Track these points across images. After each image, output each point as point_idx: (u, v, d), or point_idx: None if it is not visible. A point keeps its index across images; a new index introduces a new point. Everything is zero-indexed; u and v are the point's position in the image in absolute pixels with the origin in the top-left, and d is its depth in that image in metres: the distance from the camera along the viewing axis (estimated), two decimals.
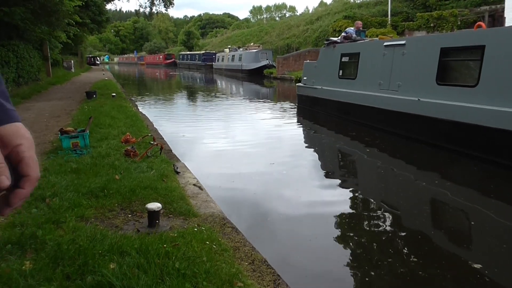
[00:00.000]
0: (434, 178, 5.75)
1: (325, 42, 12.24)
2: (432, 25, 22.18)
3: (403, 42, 8.78)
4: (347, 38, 11.34)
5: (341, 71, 10.99)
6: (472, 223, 4.34)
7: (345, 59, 10.91)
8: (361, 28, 12.14)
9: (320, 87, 11.62)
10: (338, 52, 11.13)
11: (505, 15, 16.33)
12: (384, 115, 8.78)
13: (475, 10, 22.64)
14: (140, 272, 2.33)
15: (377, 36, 13.09)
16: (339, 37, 11.81)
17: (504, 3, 17.08)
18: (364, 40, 11.10)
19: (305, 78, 12.85)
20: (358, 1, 40.23)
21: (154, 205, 3.18)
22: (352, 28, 12.09)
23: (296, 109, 13.11)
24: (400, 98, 8.29)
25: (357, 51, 10.33)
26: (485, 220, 4.31)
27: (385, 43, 9.22)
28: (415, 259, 3.38)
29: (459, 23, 21.49)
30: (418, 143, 7.66)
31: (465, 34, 7.43)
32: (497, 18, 19.86)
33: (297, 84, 14.06)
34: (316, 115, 11.62)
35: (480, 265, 3.23)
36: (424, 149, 7.35)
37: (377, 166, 6.58)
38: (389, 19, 26.77)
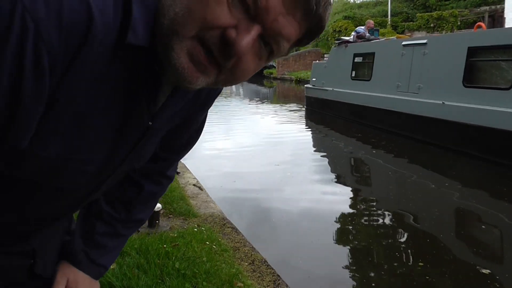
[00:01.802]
0: (444, 180, 5.65)
1: (336, 41, 11.75)
2: (432, 25, 22.19)
3: (424, 41, 8.25)
4: (360, 37, 10.87)
5: (354, 72, 10.48)
6: (483, 226, 4.25)
7: (358, 59, 10.42)
8: (374, 27, 11.62)
9: (331, 88, 11.14)
10: (351, 52, 10.63)
11: (505, 15, 16.34)
12: (402, 119, 8.31)
13: (475, 11, 22.65)
14: (140, 272, 2.33)
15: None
16: (351, 36, 11.34)
17: (504, 3, 17.09)
18: (378, 39, 10.63)
19: (314, 79, 12.41)
20: (358, 2, 40.25)
21: None
22: (362, 27, 11.63)
23: (304, 111, 12.77)
24: (421, 101, 7.82)
25: (371, 51, 9.84)
26: (496, 224, 4.23)
27: (403, 43, 8.74)
28: (421, 263, 3.32)
29: (459, 23, 21.49)
30: (427, 145, 7.39)
31: (497, 32, 6.98)
32: (497, 19, 19.86)
33: (305, 85, 13.65)
34: (326, 118, 11.16)
35: (489, 270, 3.18)
36: (433, 151, 7.20)
37: (386, 170, 6.45)
38: (389, 20, 26.77)
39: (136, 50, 0.55)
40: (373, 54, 9.75)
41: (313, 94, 12.35)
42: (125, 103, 0.60)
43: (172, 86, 0.65)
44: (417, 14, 25.40)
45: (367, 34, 10.95)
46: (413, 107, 8.01)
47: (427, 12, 25.50)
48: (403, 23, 26.32)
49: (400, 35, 10.65)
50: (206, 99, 0.80)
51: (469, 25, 20.18)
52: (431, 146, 7.45)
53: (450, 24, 21.46)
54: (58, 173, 0.62)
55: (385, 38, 10.81)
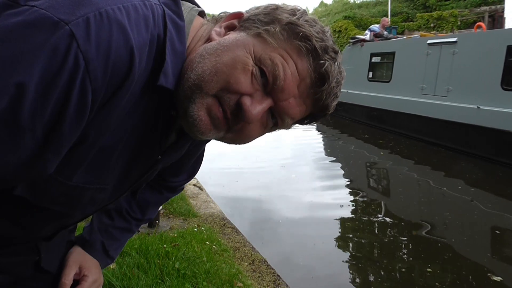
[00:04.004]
0: (456, 183, 5.53)
1: (351, 40, 11.27)
2: (432, 25, 22.17)
3: (453, 39, 7.60)
4: (378, 35, 10.38)
5: (371, 73, 9.94)
6: (497, 231, 4.15)
7: (376, 59, 9.87)
8: (391, 26, 11.13)
9: (345, 90, 10.19)
10: (367, 52, 10.08)
11: (505, 16, 16.31)
12: (428, 124, 7.68)
13: (475, 11, 22.63)
14: (140, 272, 2.33)
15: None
16: (366, 34, 10.87)
17: (504, 3, 17.06)
18: (398, 38, 10.08)
19: None
20: (358, 2, 40.25)
21: None
22: (377, 25, 11.14)
23: None
24: (451, 105, 7.20)
25: (391, 50, 9.26)
26: (511, 230, 4.14)
27: (428, 41, 8.15)
28: (429, 269, 3.25)
29: (459, 23, 21.48)
30: (452, 151, 7.00)
31: None
32: (497, 19, 19.84)
33: None
34: (339, 121, 10.66)
35: (500, 278, 3.11)
36: (444, 153, 6.99)
37: (399, 174, 6.29)
38: (389, 20, 26.74)
39: (161, 92, 0.61)
40: (393, 53, 9.16)
41: None
42: (144, 138, 0.65)
43: (180, 129, 0.71)
44: (417, 14, 25.37)
45: (385, 33, 10.44)
46: (441, 112, 7.39)
47: (427, 12, 25.48)
48: (403, 23, 26.29)
49: (425, 33, 9.76)
50: (204, 143, 0.93)
51: (469, 25, 20.16)
52: (458, 153, 6.99)
53: (450, 24, 21.44)
54: (74, 202, 0.67)
55: (406, 37, 10.22)
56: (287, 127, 0.70)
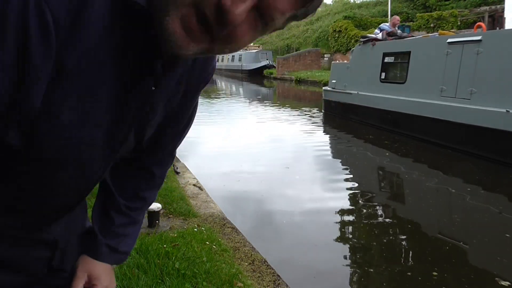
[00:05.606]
0: (466, 186, 5.39)
1: (361, 39, 10.69)
2: (432, 25, 22.19)
3: (477, 38, 7.02)
4: (391, 34, 9.87)
5: (383, 74, 9.42)
6: (507, 235, 4.03)
7: (389, 59, 9.37)
8: (404, 24, 10.43)
9: (355, 92, 10.10)
10: (380, 51, 9.54)
11: (505, 16, 16.32)
12: (448, 129, 7.25)
13: (475, 11, 22.67)
14: (140, 272, 2.33)
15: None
16: (376, 34, 10.37)
17: (504, 3, 17.07)
18: (413, 36, 9.66)
19: (333, 81, 11.30)
20: (358, 2, 40.27)
21: (154, 206, 3.18)
22: (386, 24, 10.62)
23: (322, 116, 11.81)
24: (476, 108, 6.74)
25: (406, 50, 8.79)
26: None
27: (448, 40, 7.64)
28: (435, 272, 3.19)
29: (459, 23, 21.52)
30: (469, 155, 6.69)
31: None
32: (497, 19, 19.86)
33: (323, 88, 12.65)
34: (349, 124, 10.27)
35: (508, 283, 3.06)
36: (453, 155, 6.83)
37: (406, 176, 6.14)
38: (389, 20, 26.75)
39: (135, 12, 0.56)
40: (408, 53, 8.72)
41: (333, 98, 11.25)
42: (129, 64, 0.61)
43: (168, 56, 0.65)
44: (417, 14, 25.44)
45: (399, 31, 9.96)
46: (463, 115, 6.94)
47: (427, 12, 25.53)
48: (403, 23, 26.30)
49: (444, 31, 9.16)
50: (198, 82, 0.82)
51: (469, 25, 20.19)
52: (469, 156, 6.70)
53: (450, 24, 21.45)
54: (69, 147, 0.63)
55: (422, 35, 9.81)
56: (279, 26, 0.61)
